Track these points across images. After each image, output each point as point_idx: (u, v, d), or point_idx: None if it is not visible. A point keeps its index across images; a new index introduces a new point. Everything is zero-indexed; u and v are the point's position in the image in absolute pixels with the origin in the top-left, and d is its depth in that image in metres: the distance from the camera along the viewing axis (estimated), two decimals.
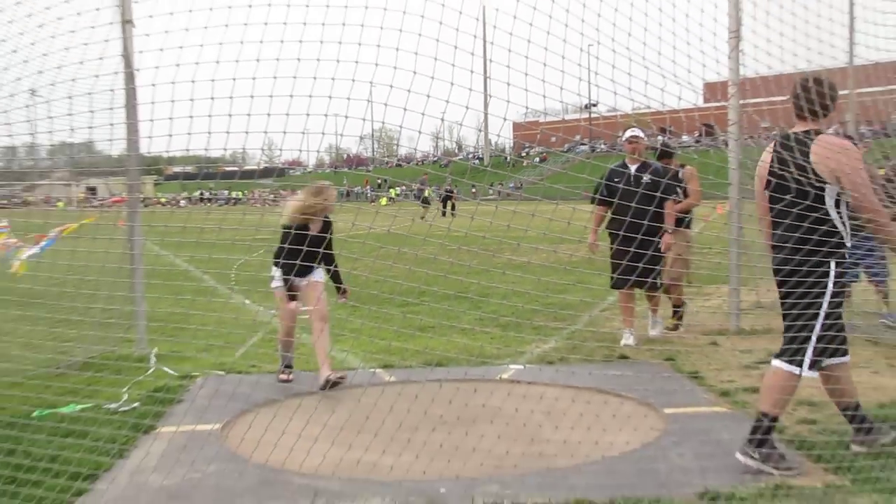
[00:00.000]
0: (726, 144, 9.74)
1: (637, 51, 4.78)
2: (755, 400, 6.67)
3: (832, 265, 5.00)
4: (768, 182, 5.26)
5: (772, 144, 5.37)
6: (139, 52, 7.29)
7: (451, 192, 41.23)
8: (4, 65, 4.83)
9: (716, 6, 5.10)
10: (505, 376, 7.74)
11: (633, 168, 9.04)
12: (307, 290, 7.50)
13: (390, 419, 5.58)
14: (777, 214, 5.25)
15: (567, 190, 6.72)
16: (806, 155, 5.00)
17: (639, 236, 7.68)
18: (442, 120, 5.20)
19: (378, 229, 7.29)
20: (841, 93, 5.38)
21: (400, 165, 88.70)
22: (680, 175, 9.74)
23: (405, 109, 4.35)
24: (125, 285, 8.60)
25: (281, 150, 4.80)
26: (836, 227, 5.03)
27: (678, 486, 4.79)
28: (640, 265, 8.30)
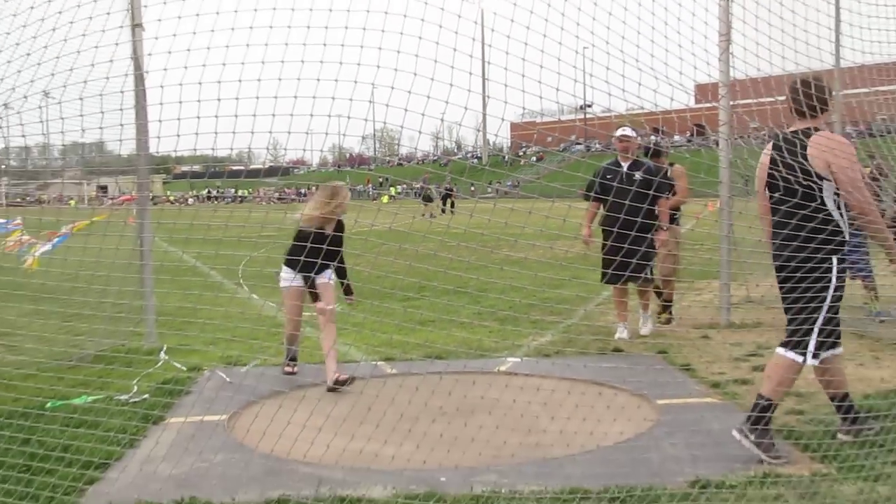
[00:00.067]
0: (717, 144, 9.75)
1: (631, 53, 4.78)
2: (745, 391, 6.70)
3: (834, 260, 5.04)
4: (768, 180, 5.29)
5: (770, 143, 5.39)
6: (148, 54, 7.28)
7: (451, 190, 41.21)
8: (18, 67, 4.82)
9: (706, 10, 5.10)
10: (503, 369, 7.74)
11: (625, 166, 9.04)
12: (319, 289, 7.34)
13: (392, 410, 5.59)
14: (777, 211, 5.26)
15: (563, 188, 6.71)
16: (804, 151, 5.03)
17: (632, 233, 7.68)
18: (441, 120, 5.19)
19: (380, 226, 7.30)
20: None
21: (401, 164, 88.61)
22: (669, 173, 9.74)
23: (406, 110, 4.35)
24: (135, 281, 8.61)
25: (285, 149, 4.86)
26: (836, 223, 5.06)
27: (670, 474, 4.80)
28: (634, 261, 8.31)
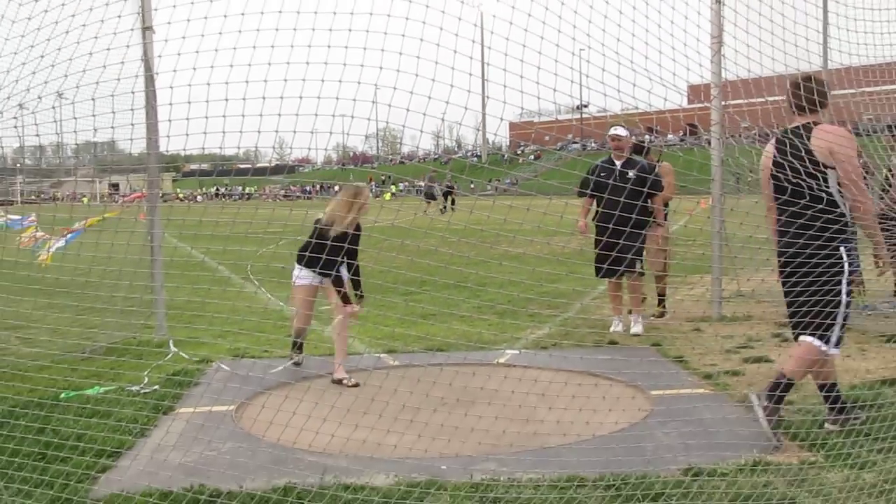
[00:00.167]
0: (709, 143, 9.72)
1: (625, 55, 4.77)
2: (736, 382, 6.71)
3: (842, 249, 5.08)
4: (772, 174, 5.32)
5: (773, 139, 5.43)
6: (158, 56, 7.30)
7: (452, 187, 41.11)
8: (33, 69, 4.82)
9: (699, 13, 5.08)
10: (502, 360, 7.75)
11: (619, 164, 9.02)
12: (334, 286, 7.24)
13: (394, 401, 5.59)
14: (784, 204, 5.28)
15: (560, 186, 6.71)
16: (808, 143, 5.07)
17: (627, 229, 7.68)
18: (442, 120, 5.17)
19: (382, 223, 7.29)
20: None
21: (403, 163, 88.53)
22: (657, 170, 9.73)
23: (408, 110, 4.34)
24: (145, 275, 8.61)
25: (291, 148, 4.82)
26: (842, 212, 5.09)
27: (664, 462, 4.80)
28: (629, 256, 8.31)
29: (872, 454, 4.72)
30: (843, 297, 5.11)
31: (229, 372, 7.43)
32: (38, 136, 5.09)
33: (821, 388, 5.42)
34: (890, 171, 6.85)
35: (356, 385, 6.94)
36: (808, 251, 5.09)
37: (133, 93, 5.00)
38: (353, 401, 5.93)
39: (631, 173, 8.83)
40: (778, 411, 5.09)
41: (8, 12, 4.95)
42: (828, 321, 5.12)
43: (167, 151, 8.47)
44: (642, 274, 9.20)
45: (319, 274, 7.06)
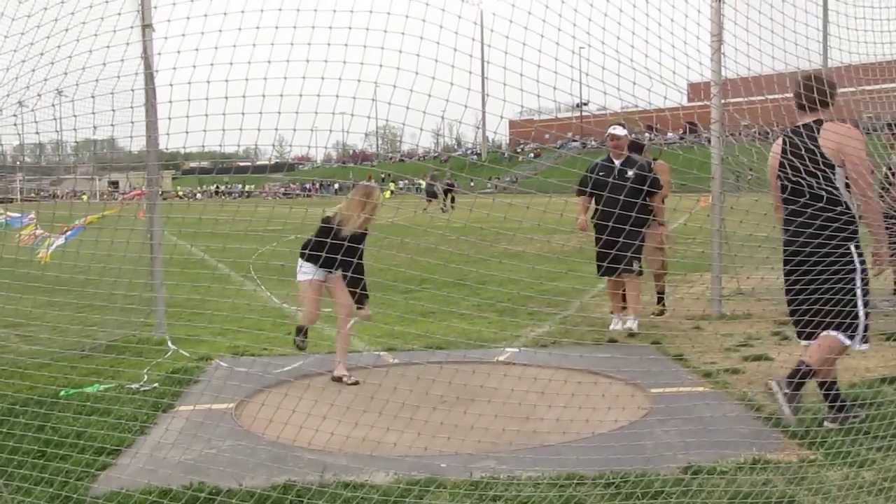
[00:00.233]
0: (709, 141, 9.72)
1: (625, 53, 4.77)
2: (736, 380, 6.71)
3: (852, 246, 5.11)
4: (780, 172, 5.34)
5: (780, 137, 5.45)
6: (158, 54, 7.28)
7: (452, 185, 41.10)
8: (32, 66, 4.81)
9: (699, 12, 5.07)
10: (501, 358, 7.75)
11: (618, 163, 9.01)
12: (334, 283, 7.24)
13: (393, 399, 5.59)
14: (792, 202, 5.29)
15: (560, 184, 6.71)
16: (815, 140, 5.10)
17: (626, 227, 7.68)
18: (442, 118, 5.18)
19: (382, 220, 7.29)
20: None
21: (403, 161, 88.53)
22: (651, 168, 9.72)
23: (407, 108, 4.34)
24: (145, 273, 8.60)
25: (291, 146, 4.80)
26: (850, 210, 5.12)
27: (663, 460, 4.80)
28: (628, 254, 8.31)
29: (872, 452, 4.73)
30: (860, 293, 5.15)
31: (229, 368, 7.43)
32: (37, 133, 5.09)
33: (820, 385, 5.43)
34: (889, 169, 6.86)
35: (356, 383, 6.95)
36: (819, 249, 5.11)
37: (133, 90, 5.00)
38: (352, 399, 5.93)
39: (630, 172, 8.82)
40: (797, 398, 5.17)
41: (7, 10, 4.94)
42: (848, 320, 5.19)
43: (167, 149, 8.46)
44: (640, 273, 9.19)
45: (323, 269, 7.01)
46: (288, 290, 9.92)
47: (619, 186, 8.42)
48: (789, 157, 5.21)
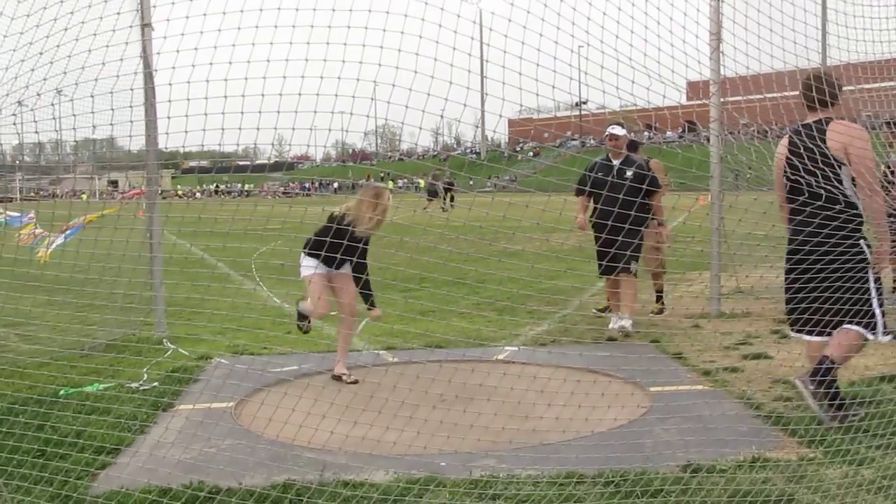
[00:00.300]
0: (708, 140, 9.72)
1: (624, 52, 4.76)
2: (735, 378, 6.71)
3: (862, 241, 5.14)
4: (786, 170, 5.35)
5: (786, 136, 5.47)
6: (157, 53, 7.27)
7: (451, 184, 41.08)
8: (31, 66, 4.81)
9: (698, 10, 5.07)
10: (501, 357, 7.75)
11: (616, 163, 9.00)
12: (339, 281, 7.18)
13: (393, 398, 5.59)
14: (799, 201, 5.31)
15: (559, 182, 6.71)
16: (823, 139, 5.12)
17: (625, 226, 7.67)
18: (441, 117, 5.18)
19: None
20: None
21: (402, 160, 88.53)
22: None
23: (406, 107, 4.34)
24: (145, 272, 8.61)
25: (290, 145, 4.80)
26: (857, 206, 5.14)
27: (663, 459, 4.80)
28: (628, 253, 8.30)
29: (871, 450, 4.73)
30: (872, 287, 5.22)
31: (230, 366, 7.42)
32: (36, 132, 5.08)
33: (820, 383, 5.43)
34: (888, 167, 6.86)
35: (355, 382, 6.94)
36: (830, 246, 5.13)
37: (132, 90, 4.99)
38: (352, 397, 5.93)
39: (629, 172, 8.82)
40: (825, 395, 5.22)
41: (7, 9, 4.94)
42: (864, 307, 5.25)
43: (166, 148, 8.47)
44: (636, 275, 9.18)
45: (325, 266, 6.95)
46: (287, 289, 9.92)
47: (618, 186, 8.42)
48: (797, 155, 5.23)
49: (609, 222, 7.74)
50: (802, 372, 5.46)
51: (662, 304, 10.07)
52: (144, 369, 7.18)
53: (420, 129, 4.67)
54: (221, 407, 6.13)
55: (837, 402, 5.35)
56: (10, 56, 4.91)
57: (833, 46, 6.32)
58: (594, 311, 10.14)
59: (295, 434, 5.04)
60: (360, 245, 6.54)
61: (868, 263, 5.23)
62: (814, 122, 5.34)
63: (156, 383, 6.82)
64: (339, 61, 4.19)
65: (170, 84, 4.42)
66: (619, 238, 7.96)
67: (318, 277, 7.03)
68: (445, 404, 5.63)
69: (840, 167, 5.11)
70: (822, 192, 5.08)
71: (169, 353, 8.02)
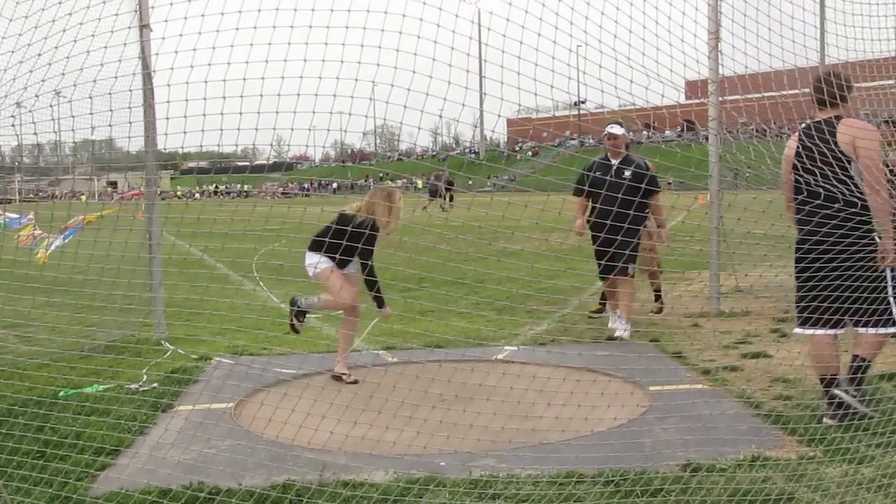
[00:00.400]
0: (706, 139, 9.72)
1: (622, 51, 4.76)
2: (734, 378, 6.71)
3: (875, 236, 5.17)
4: (795, 166, 5.37)
5: (796, 133, 5.49)
6: (155, 54, 7.26)
7: (451, 183, 41.05)
8: (30, 67, 4.80)
9: (696, 10, 5.07)
10: (500, 357, 7.75)
11: (615, 162, 8.98)
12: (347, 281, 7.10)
13: (393, 398, 5.59)
14: (809, 196, 5.32)
15: (558, 182, 6.71)
16: (833, 136, 5.15)
17: (624, 225, 7.67)
18: (440, 117, 5.18)
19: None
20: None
21: (401, 160, 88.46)
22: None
23: (405, 107, 4.34)
24: (144, 273, 8.60)
25: (289, 145, 4.80)
26: (866, 202, 5.16)
27: (663, 458, 4.80)
28: (627, 253, 8.29)
29: (871, 449, 4.73)
30: (889, 283, 5.30)
31: (230, 365, 7.42)
32: (35, 134, 5.08)
33: (820, 381, 5.44)
34: (887, 165, 6.87)
35: (355, 382, 6.94)
36: (845, 244, 5.14)
37: (130, 91, 4.99)
38: (351, 397, 5.93)
39: (627, 172, 8.80)
40: (863, 392, 5.34)
41: (5, 10, 4.94)
42: (882, 306, 5.31)
43: (165, 149, 8.45)
44: (632, 276, 9.17)
45: (329, 259, 6.89)
46: (287, 290, 9.91)
47: (617, 185, 8.41)
48: (808, 153, 5.25)
49: (608, 222, 7.74)
50: (826, 374, 5.45)
51: (661, 303, 10.06)
52: (144, 370, 7.18)
53: (419, 128, 4.66)
54: (221, 407, 6.13)
55: (837, 400, 5.36)
56: (8, 57, 4.90)
57: (831, 45, 6.33)
58: (588, 313, 10.14)
59: (295, 434, 5.04)
60: (372, 247, 6.55)
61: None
62: (825, 119, 5.36)
63: (155, 384, 6.82)
64: (338, 61, 4.19)
65: (168, 85, 4.43)
66: (618, 238, 7.96)
67: (336, 271, 6.98)
68: (445, 404, 5.63)
69: (850, 164, 5.13)
70: (836, 191, 5.10)
71: (168, 353, 8.01)
